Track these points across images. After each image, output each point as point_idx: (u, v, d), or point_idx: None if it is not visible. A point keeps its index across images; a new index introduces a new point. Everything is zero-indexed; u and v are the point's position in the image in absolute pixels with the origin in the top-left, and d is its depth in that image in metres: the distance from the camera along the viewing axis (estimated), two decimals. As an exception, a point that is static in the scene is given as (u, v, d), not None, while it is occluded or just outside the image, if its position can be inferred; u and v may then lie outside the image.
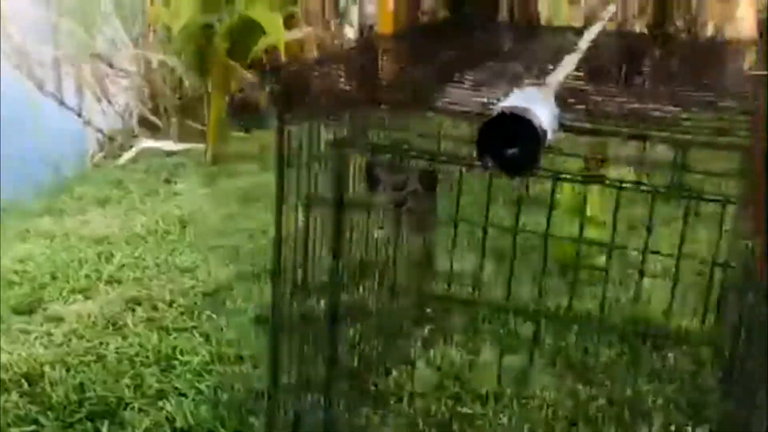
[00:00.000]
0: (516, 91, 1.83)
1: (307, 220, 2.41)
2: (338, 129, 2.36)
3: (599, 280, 4.65)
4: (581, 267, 4.13)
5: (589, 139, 2.22)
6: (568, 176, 2.52)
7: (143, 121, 9.46)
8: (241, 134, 8.36)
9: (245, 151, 7.81)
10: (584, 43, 3.16)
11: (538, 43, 4.89)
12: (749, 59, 4.89)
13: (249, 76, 7.28)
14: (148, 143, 8.45)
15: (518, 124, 1.53)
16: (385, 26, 10.51)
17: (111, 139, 9.16)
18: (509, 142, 1.56)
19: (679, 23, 10.19)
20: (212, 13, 7.16)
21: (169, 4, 7.60)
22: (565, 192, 4.87)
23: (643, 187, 2.61)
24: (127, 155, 8.24)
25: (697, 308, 4.08)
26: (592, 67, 4.38)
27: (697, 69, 4.22)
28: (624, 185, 2.74)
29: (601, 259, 4.43)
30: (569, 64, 2.67)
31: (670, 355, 3.91)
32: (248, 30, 6.84)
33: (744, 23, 10.59)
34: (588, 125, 1.91)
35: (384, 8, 10.57)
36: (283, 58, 6.84)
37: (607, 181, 2.66)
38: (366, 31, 10.94)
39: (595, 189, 4.66)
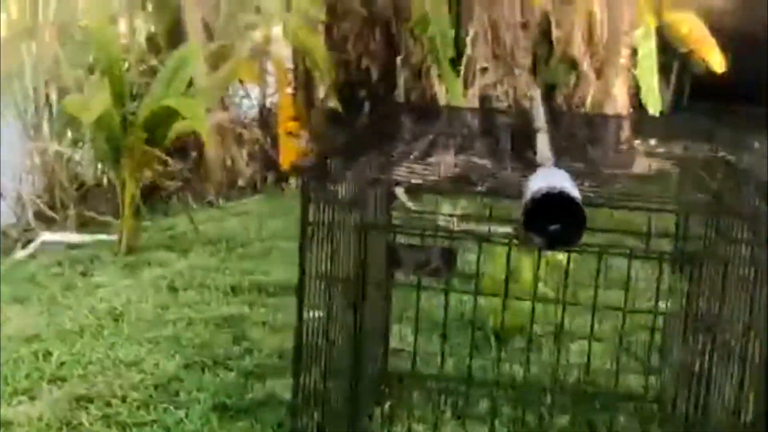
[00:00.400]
0: (540, 171, 2.00)
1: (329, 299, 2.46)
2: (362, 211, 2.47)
3: (544, 345, 4.90)
4: (527, 334, 4.32)
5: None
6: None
7: (38, 214, 9.20)
8: (148, 222, 8.29)
9: (157, 240, 7.73)
10: (541, 123, 3.43)
11: (456, 123, 5.20)
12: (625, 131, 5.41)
13: (168, 161, 7.27)
14: (47, 236, 8.20)
15: (561, 203, 1.70)
16: (284, 110, 10.76)
17: (5, 234, 8.84)
18: (550, 219, 1.72)
19: (560, 99, 10.93)
20: (126, 104, 7.18)
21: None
22: (496, 262, 5.09)
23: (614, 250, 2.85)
24: (26, 250, 7.98)
25: (643, 364, 4.35)
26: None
27: (582, 141, 4.61)
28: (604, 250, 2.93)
29: (547, 324, 4.67)
30: (544, 142, 2.92)
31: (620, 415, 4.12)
32: (167, 117, 6.87)
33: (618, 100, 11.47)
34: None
35: (283, 95, 10.84)
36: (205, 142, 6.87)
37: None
38: (266, 113, 11.16)
39: (526, 259, 4.91)
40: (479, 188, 2.46)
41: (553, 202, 1.72)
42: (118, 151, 7.06)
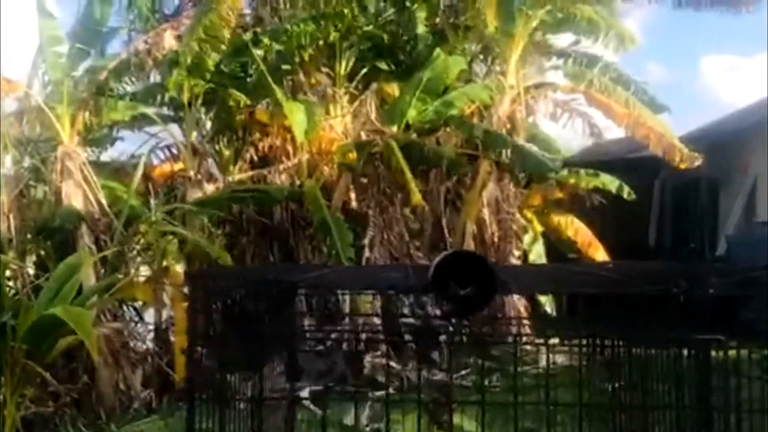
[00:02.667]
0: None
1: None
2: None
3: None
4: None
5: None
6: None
7: None
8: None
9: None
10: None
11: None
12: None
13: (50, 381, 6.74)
14: None
15: (471, 265, 1.58)
16: (180, 327, 10.39)
17: None
18: (460, 284, 1.59)
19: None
20: (3, 314, 6.75)
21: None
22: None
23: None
24: None
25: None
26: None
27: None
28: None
29: None
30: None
31: None
32: (51, 328, 6.45)
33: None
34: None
35: (179, 311, 10.54)
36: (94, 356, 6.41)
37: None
38: (161, 332, 10.77)
39: None
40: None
41: (460, 268, 1.60)
42: (-5, 365, 6.54)
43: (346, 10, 10.62)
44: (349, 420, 3.77)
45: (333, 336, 2.12)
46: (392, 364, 8.62)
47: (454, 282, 1.63)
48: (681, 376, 2.16)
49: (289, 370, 2.12)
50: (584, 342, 3.15)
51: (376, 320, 7.83)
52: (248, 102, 11.22)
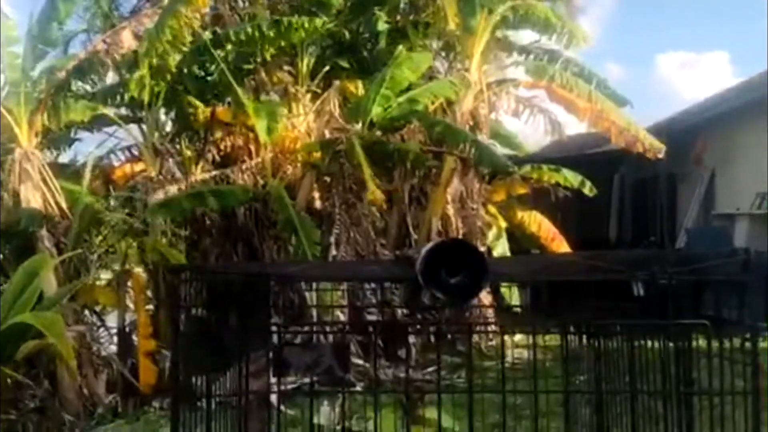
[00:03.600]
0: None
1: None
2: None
3: None
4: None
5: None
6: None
7: None
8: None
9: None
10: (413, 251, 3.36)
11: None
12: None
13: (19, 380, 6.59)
14: None
15: (459, 254, 1.56)
16: (144, 330, 10.24)
17: None
18: (449, 273, 1.57)
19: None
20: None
21: None
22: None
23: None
24: None
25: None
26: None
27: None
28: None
29: None
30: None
31: None
32: (18, 334, 6.31)
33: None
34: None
35: (142, 314, 10.39)
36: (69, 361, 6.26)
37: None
38: (125, 336, 10.61)
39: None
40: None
41: (449, 255, 1.58)
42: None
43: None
44: (323, 419, 3.74)
45: (316, 329, 2.08)
46: (358, 361, 8.61)
47: (444, 271, 1.61)
48: (663, 362, 2.17)
49: (276, 364, 2.08)
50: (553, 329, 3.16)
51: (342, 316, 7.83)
52: (206, 105, 11.11)
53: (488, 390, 3.39)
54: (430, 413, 4.33)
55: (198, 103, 11.27)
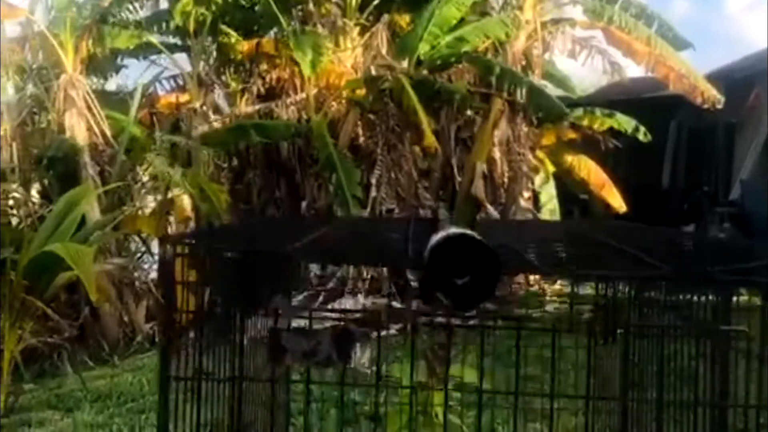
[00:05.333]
0: (442, 230, 1.68)
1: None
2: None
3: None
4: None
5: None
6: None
7: None
8: (31, 384, 7.58)
9: (42, 399, 7.02)
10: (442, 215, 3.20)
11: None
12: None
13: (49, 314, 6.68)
14: None
15: (467, 252, 1.40)
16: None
17: None
18: (456, 272, 1.41)
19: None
20: (3, 250, 6.65)
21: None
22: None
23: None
24: None
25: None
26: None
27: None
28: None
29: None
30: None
31: None
32: (51, 264, 6.34)
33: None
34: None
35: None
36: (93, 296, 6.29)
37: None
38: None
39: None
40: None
41: (457, 251, 1.42)
42: (-6, 299, 6.45)
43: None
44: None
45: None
46: (395, 304, 8.54)
47: (452, 268, 1.45)
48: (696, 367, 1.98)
49: (272, 350, 1.96)
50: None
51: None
52: (251, 36, 10.89)
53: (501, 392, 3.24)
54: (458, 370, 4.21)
55: (243, 33, 11.08)
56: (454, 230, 1.51)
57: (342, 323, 1.95)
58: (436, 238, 1.46)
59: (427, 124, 9.56)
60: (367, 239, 2.46)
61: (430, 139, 9.49)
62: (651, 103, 14.81)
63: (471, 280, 1.44)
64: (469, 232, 1.48)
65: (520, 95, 10.61)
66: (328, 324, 2.19)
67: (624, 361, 1.92)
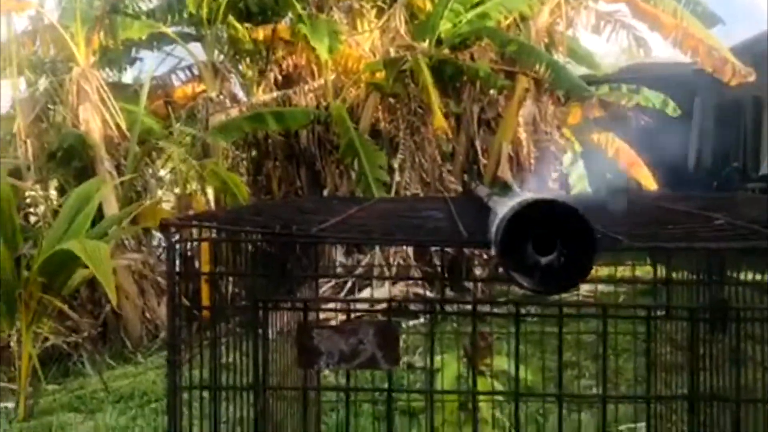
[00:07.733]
0: (502, 203, 1.37)
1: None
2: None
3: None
4: None
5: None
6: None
7: None
8: (54, 386, 7.37)
9: (63, 402, 6.81)
10: (483, 191, 2.91)
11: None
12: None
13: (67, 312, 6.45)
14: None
15: (555, 223, 1.11)
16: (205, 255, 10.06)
17: None
18: (539, 249, 1.12)
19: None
20: (20, 246, 6.42)
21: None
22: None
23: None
24: None
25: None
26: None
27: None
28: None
29: None
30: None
31: None
32: (67, 261, 6.09)
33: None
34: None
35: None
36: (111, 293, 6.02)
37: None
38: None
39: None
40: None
41: (539, 223, 1.11)
42: (12, 302, 6.21)
43: None
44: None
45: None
46: (419, 290, 8.25)
47: (531, 244, 1.15)
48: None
49: (303, 351, 1.64)
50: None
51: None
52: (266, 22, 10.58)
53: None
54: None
55: (258, 20, 10.79)
56: (530, 196, 1.21)
57: (380, 316, 1.67)
58: (504, 209, 1.16)
59: (439, 105, 9.24)
60: (404, 217, 2.17)
61: (440, 122, 9.15)
62: (675, 78, 14.39)
63: (560, 257, 1.14)
64: (549, 197, 1.18)
65: (545, 73, 10.25)
66: (359, 316, 1.93)
67: (736, 353, 1.61)
